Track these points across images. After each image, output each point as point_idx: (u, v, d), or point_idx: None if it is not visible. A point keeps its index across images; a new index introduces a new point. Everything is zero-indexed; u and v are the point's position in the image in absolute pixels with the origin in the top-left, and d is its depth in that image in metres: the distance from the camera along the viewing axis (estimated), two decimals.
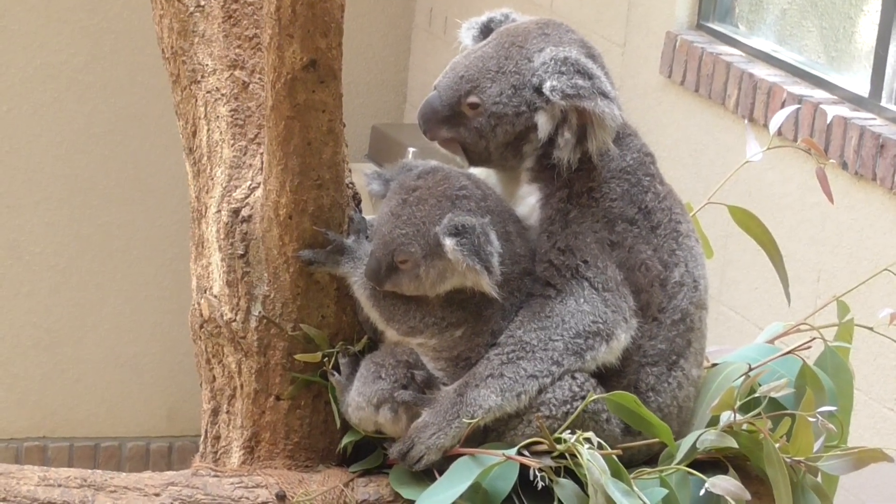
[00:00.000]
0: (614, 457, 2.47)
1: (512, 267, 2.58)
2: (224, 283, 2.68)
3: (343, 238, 2.62)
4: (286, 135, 2.56)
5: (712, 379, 2.70)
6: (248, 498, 2.60)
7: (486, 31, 2.75)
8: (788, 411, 2.57)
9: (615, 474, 2.46)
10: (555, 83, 2.59)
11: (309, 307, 2.65)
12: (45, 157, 7.30)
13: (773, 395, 2.53)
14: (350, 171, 2.68)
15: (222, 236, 2.68)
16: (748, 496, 2.48)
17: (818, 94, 5.15)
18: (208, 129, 2.76)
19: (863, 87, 5.09)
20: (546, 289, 2.60)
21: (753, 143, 2.89)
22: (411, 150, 6.73)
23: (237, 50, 2.75)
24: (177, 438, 7.65)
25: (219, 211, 2.69)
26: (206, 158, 2.76)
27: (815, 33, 5.49)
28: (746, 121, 5.22)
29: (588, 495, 2.45)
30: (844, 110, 5.00)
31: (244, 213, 2.67)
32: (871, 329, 2.76)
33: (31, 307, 7.40)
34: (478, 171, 2.71)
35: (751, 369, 2.60)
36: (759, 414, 2.53)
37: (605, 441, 2.50)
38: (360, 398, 2.60)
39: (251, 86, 2.74)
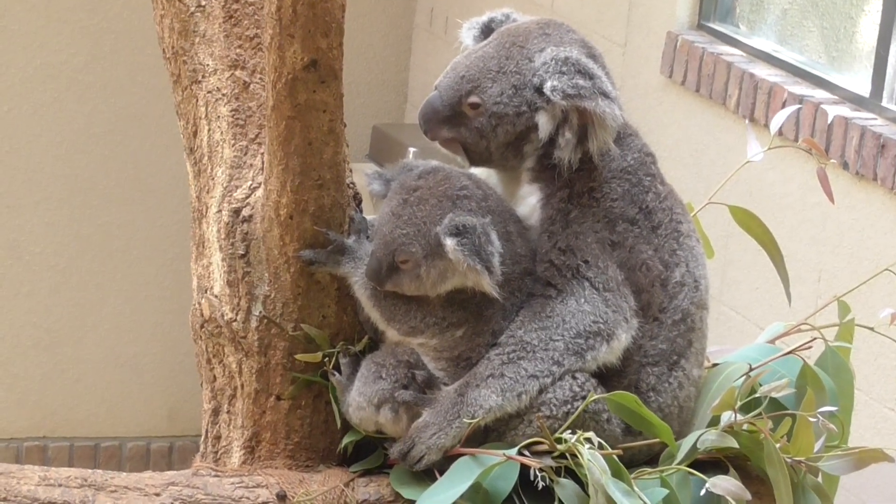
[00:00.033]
0: (615, 457, 2.47)
1: (513, 267, 2.58)
2: (225, 282, 2.68)
3: (344, 238, 2.62)
4: (287, 135, 2.56)
5: (713, 379, 2.70)
6: (248, 498, 2.59)
7: (486, 31, 2.75)
8: (789, 411, 2.57)
9: (616, 474, 2.46)
10: (556, 83, 2.59)
11: (310, 307, 2.65)
12: (46, 157, 7.30)
13: (773, 395, 2.53)
14: (351, 171, 2.68)
15: (223, 236, 2.68)
16: (749, 496, 2.48)
17: (819, 94, 5.15)
18: (209, 129, 2.76)
19: (864, 88, 5.09)
20: (547, 289, 2.60)
21: (754, 143, 2.89)
22: (412, 150, 6.73)
23: (238, 50, 2.75)
24: (177, 438, 7.65)
25: (219, 211, 2.69)
26: (206, 158, 2.76)
27: (815, 33, 5.49)
28: (747, 121, 5.22)
29: (589, 495, 2.45)
30: (845, 110, 5.00)
31: (245, 213, 2.67)
32: (871, 329, 2.76)
33: (31, 307, 7.40)
34: (479, 171, 2.71)
35: (751, 369, 2.60)
36: (760, 414, 2.53)
37: (605, 441, 2.50)
38: (361, 398, 2.60)
39: (252, 86, 2.74)
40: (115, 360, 7.54)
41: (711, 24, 5.75)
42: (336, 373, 2.65)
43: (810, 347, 2.73)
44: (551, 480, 2.48)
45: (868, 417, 4.77)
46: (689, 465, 2.53)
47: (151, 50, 6.07)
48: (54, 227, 7.37)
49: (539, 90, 2.61)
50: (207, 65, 2.76)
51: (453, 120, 2.67)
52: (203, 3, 2.77)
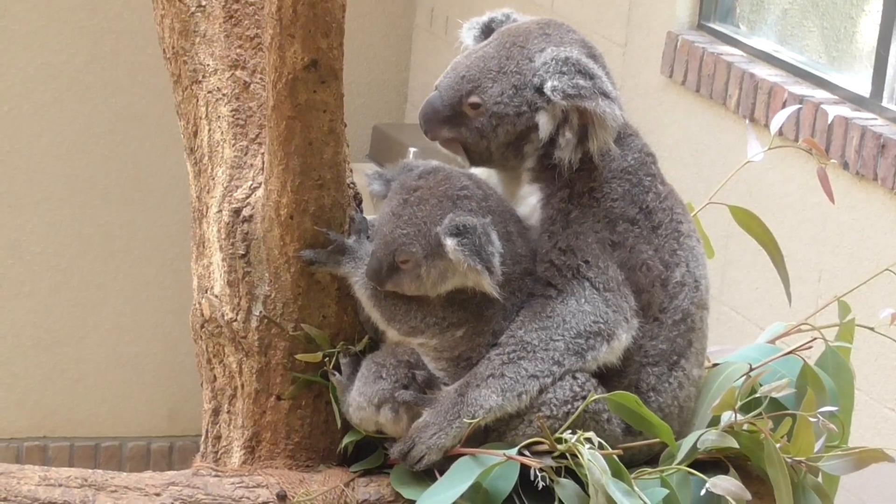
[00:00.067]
0: (615, 457, 2.47)
1: (513, 267, 2.58)
2: (225, 282, 2.68)
3: (344, 238, 2.62)
4: (287, 135, 2.56)
5: (713, 379, 2.70)
6: (248, 498, 2.60)
7: (487, 31, 2.75)
8: (789, 411, 2.57)
9: (616, 474, 2.46)
10: (556, 83, 2.59)
11: (310, 307, 2.65)
12: (46, 156, 7.30)
13: (774, 395, 2.53)
14: (351, 171, 2.68)
15: (223, 236, 2.68)
16: (749, 496, 2.48)
17: (819, 94, 5.15)
18: (209, 129, 2.76)
19: (864, 88, 5.09)
20: (547, 289, 2.60)
21: (754, 143, 2.89)
22: (412, 150, 6.73)
23: (238, 50, 2.75)
24: (178, 438, 7.65)
25: (220, 211, 2.69)
26: (207, 158, 2.76)
27: (816, 33, 5.49)
28: (747, 121, 5.22)
29: (589, 495, 2.45)
30: (845, 110, 5.00)
31: (245, 212, 2.67)
32: (872, 329, 2.76)
33: (31, 307, 7.40)
34: (479, 172, 2.71)
35: (752, 369, 2.60)
36: (760, 414, 2.53)
37: (606, 441, 2.50)
38: (361, 398, 2.60)
39: (252, 86, 2.74)
40: (115, 360, 7.55)
41: (712, 24, 5.75)
42: (336, 373, 2.65)
43: (810, 347, 2.73)
44: (551, 480, 2.48)
45: (868, 417, 4.77)
46: (689, 465, 2.53)
47: (152, 50, 6.07)
48: (55, 226, 7.37)
49: (539, 90, 2.61)
50: (208, 65, 2.76)
51: (454, 120, 2.67)
52: (203, 3, 2.77)
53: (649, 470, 2.55)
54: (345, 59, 2.56)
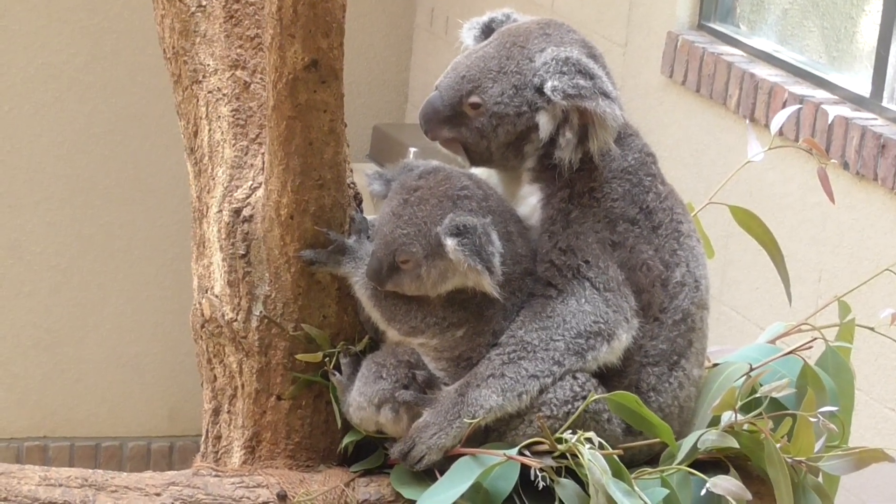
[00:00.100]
0: (615, 457, 2.47)
1: (513, 267, 2.58)
2: (225, 282, 2.68)
3: (344, 238, 2.62)
4: (287, 135, 2.56)
5: (713, 379, 2.70)
6: (249, 498, 2.60)
7: (487, 31, 2.75)
8: (789, 411, 2.57)
9: (616, 474, 2.46)
10: (556, 83, 2.59)
11: (310, 307, 2.65)
12: (46, 156, 7.31)
13: (774, 395, 2.53)
14: (351, 171, 2.68)
15: (223, 236, 2.68)
16: (749, 496, 2.48)
17: (819, 94, 5.15)
18: (210, 129, 2.76)
19: (864, 88, 5.09)
20: (547, 289, 2.60)
21: (755, 143, 2.89)
22: (413, 150, 6.73)
23: (238, 50, 2.75)
24: (178, 438, 7.65)
25: (220, 211, 2.69)
26: (207, 158, 2.76)
27: (816, 33, 5.49)
28: (748, 121, 5.22)
29: (589, 495, 2.45)
30: (846, 110, 5.00)
31: (245, 212, 2.67)
32: (872, 329, 2.76)
33: (31, 307, 7.40)
34: (479, 172, 2.71)
35: (752, 369, 2.60)
36: (761, 414, 2.53)
37: (606, 441, 2.50)
38: (362, 398, 2.60)
39: (252, 86, 2.74)
40: (115, 360, 7.55)
41: (712, 24, 5.75)
42: (336, 373, 2.65)
43: (811, 347, 2.73)
44: (552, 480, 2.48)
45: (868, 417, 4.77)
46: (689, 465, 2.53)
47: (152, 50, 6.07)
48: (55, 226, 7.37)
49: (540, 90, 2.61)
50: (208, 65, 2.76)
51: (454, 120, 2.67)
52: (204, 3, 2.77)
53: (650, 470, 2.55)
54: (345, 59, 2.56)
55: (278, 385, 2.67)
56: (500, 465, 2.50)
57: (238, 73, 2.74)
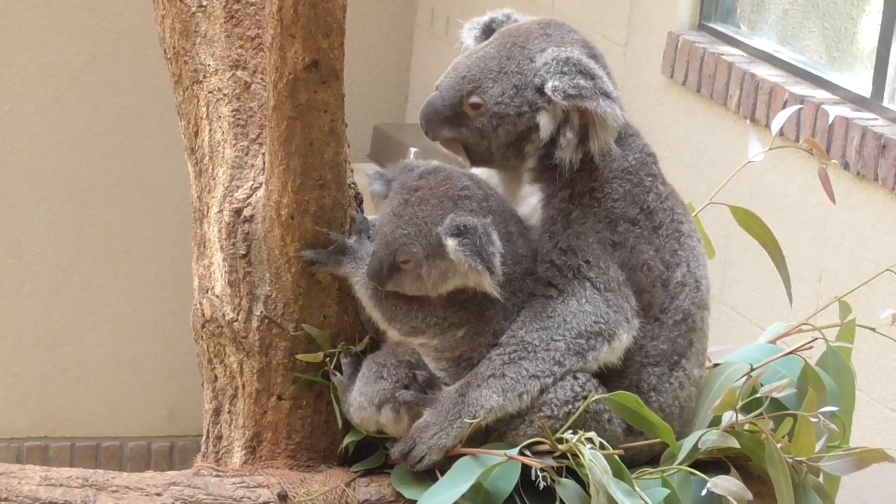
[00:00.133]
0: (616, 457, 2.47)
1: (514, 267, 2.58)
2: (226, 283, 2.68)
3: (345, 238, 2.62)
4: (288, 135, 2.56)
5: (714, 379, 2.70)
6: (249, 498, 2.60)
7: (487, 31, 2.75)
8: (790, 411, 2.57)
9: (617, 474, 2.46)
10: (557, 83, 2.59)
11: (311, 307, 2.65)
12: (47, 156, 7.31)
13: (774, 395, 2.53)
14: (352, 171, 2.68)
15: (224, 236, 2.68)
16: (750, 496, 2.48)
17: (820, 94, 5.15)
18: (210, 129, 2.76)
19: (864, 88, 5.09)
20: (548, 289, 2.60)
21: (755, 144, 2.89)
22: (413, 150, 6.73)
23: (239, 50, 2.75)
24: (178, 438, 7.65)
25: (220, 211, 2.69)
26: (207, 158, 2.76)
27: (816, 33, 5.49)
28: (748, 121, 5.22)
29: (590, 495, 2.45)
30: (846, 111, 5.00)
31: (246, 213, 2.67)
32: (872, 329, 2.76)
33: (32, 307, 7.40)
34: (480, 172, 2.71)
35: (752, 369, 2.60)
36: (761, 414, 2.53)
37: (607, 441, 2.50)
38: (362, 398, 2.60)
39: (253, 86, 2.74)
40: (116, 360, 7.55)
41: (712, 25, 5.75)
42: (337, 373, 2.65)
43: (811, 348, 2.73)
44: (552, 480, 2.48)
45: (869, 418, 4.77)
46: (690, 465, 2.53)
47: (152, 50, 6.08)
48: (55, 226, 7.37)
49: (540, 90, 2.61)
50: (208, 65, 2.76)
51: (454, 120, 2.67)
52: (204, 3, 2.77)
53: (650, 470, 2.55)
54: (345, 59, 2.56)
55: (279, 385, 2.67)
56: (500, 465, 2.50)
57: (239, 73, 2.75)
